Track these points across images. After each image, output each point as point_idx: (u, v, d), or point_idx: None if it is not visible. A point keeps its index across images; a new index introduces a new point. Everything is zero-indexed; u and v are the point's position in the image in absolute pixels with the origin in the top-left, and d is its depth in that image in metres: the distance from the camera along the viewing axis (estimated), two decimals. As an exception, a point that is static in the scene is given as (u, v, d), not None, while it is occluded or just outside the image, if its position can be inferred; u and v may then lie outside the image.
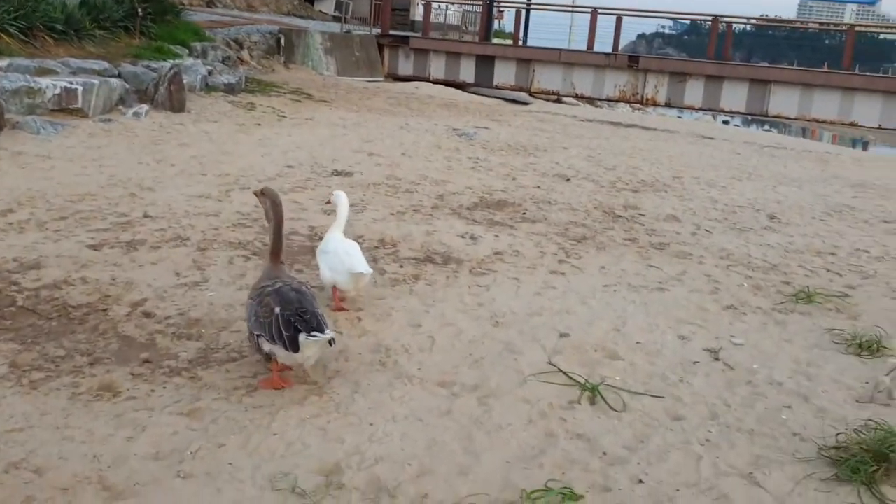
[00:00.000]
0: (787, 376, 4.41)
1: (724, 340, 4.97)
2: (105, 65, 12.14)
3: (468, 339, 4.67)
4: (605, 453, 3.40)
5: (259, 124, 12.83)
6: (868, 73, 26.00)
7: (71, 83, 10.79)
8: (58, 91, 10.59)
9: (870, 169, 16.03)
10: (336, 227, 5.09)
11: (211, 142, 10.83)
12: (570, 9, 34.23)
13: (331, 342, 3.77)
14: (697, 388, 4.18)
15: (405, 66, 26.61)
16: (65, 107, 10.66)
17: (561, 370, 4.19)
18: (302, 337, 3.65)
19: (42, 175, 7.98)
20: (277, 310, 3.72)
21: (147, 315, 4.69)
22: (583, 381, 4.06)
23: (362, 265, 4.86)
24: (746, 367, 4.51)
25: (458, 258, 6.51)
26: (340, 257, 4.83)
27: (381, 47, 26.37)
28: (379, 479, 3.16)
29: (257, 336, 3.80)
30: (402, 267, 6.12)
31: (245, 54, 20.88)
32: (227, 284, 5.30)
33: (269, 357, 3.83)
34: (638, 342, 4.78)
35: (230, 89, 15.30)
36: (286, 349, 3.67)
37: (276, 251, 4.13)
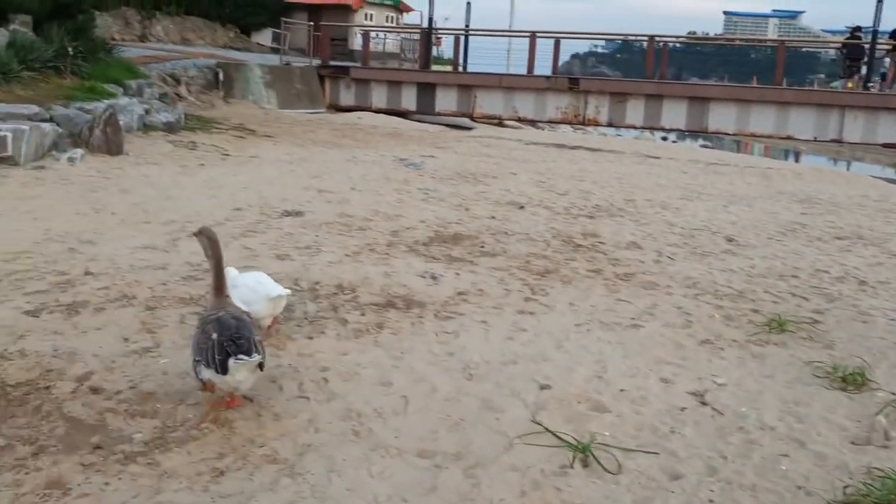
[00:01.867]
0: (778, 419, 4.26)
1: (706, 381, 4.81)
2: (35, 108, 11.60)
3: (443, 396, 4.41)
4: (607, 526, 3.17)
5: (202, 164, 12.41)
6: (800, 88, 26.71)
7: (-1, 130, 10.26)
8: (-15, 139, 10.06)
9: (811, 182, 16.34)
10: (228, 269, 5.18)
11: (153, 186, 10.37)
12: (508, 34, 34.47)
13: (260, 366, 3.94)
14: (690, 440, 3.98)
15: (347, 97, 26.35)
16: (-7, 155, 10.13)
17: (548, 430, 3.95)
18: (231, 360, 3.81)
19: (-29, 233, 7.47)
20: (215, 336, 3.90)
21: (95, 391, 4.30)
22: (573, 440, 3.83)
23: (277, 288, 5.02)
24: (735, 411, 4.34)
25: (421, 301, 6.25)
26: (252, 287, 4.97)
27: (321, 78, 26.09)
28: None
29: (196, 362, 3.99)
30: (363, 315, 5.83)
31: (183, 90, 20.37)
32: (180, 348, 4.91)
33: (204, 384, 4.02)
34: (622, 389, 4.58)
35: (170, 128, 14.83)
36: (217, 372, 3.85)
37: (218, 286, 4.32)
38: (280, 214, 9.19)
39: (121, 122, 12.67)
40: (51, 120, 11.69)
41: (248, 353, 3.83)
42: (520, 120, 26.52)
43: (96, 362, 4.67)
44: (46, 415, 4.01)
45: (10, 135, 10.30)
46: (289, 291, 5.17)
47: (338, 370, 4.74)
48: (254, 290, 4.99)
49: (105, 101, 13.44)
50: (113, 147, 12.07)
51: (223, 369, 3.82)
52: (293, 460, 3.65)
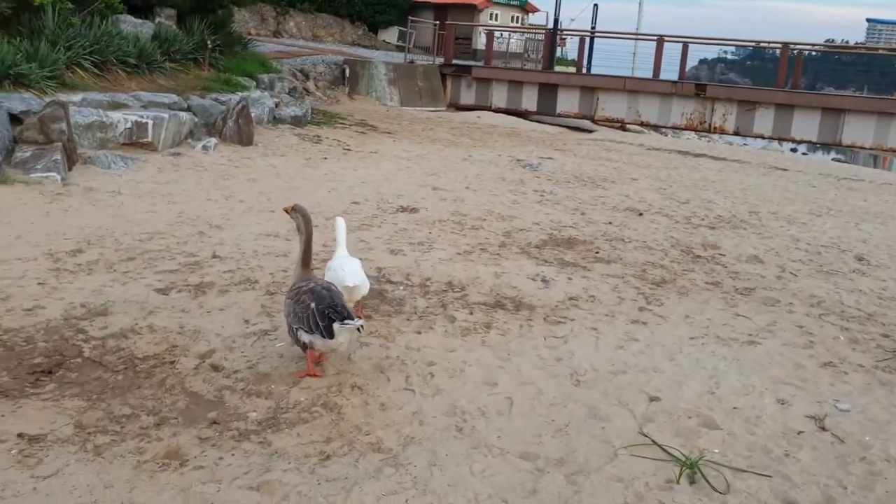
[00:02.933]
0: (905, 451, 4.00)
1: (827, 405, 4.57)
2: (175, 98, 12.27)
3: (549, 401, 4.38)
4: (712, 547, 3.07)
5: (325, 158, 12.79)
6: (950, 101, 24.88)
7: (141, 117, 10.90)
8: (129, 125, 10.72)
9: (958, 203, 15.21)
10: (339, 247, 5.46)
11: (279, 177, 10.79)
12: (634, 37, 33.81)
13: (359, 329, 4.28)
14: (806, 465, 3.80)
15: (467, 96, 26.52)
16: (135, 140, 10.78)
17: (655, 442, 3.86)
18: (336, 325, 4.22)
19: (112, 212, 7.98)
20: (313, 305, 4.30)
21: (215, 368, 4.52)
22: (680, 455, 3.72)
23: (351, 278, 5.14)
24: (858, 440, 4.11)
25: (531, 304, 6.22)
26: (337, 272, 5.14)
27: (443, 77, 26.35)
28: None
29: (296, 329, 4.36)
30: (471, 314, 5.86)
31: (311, 85, 21.05)
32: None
33: (305, 347, 4.40)
34: (735, 407, 4.42)
35: (297, 121, 15.37)
36: (323, 337, 4.24)
37: (306, 260, 4.70)
38: (395, 210, 9.36)
39: (252, 115, 13.23)
40: (188, 109, 12.33)
41: (351, 318, 4.26)
42: (643, 124, 25.95)
43: (218, 341, 4.90)
44: (170, 388, 4.24)
45: (150, 122, 10.93)
46: (356, 283, 5.14)
47: (444, 366, 4.79)
48: (336, 275, 5.13)
49: (239, 93, 14.07)
50: (244, 138, 12.62)
51: (329, 333, 4.22)
52: (397, 451, 3.71)
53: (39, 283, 5.68)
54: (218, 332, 5.06)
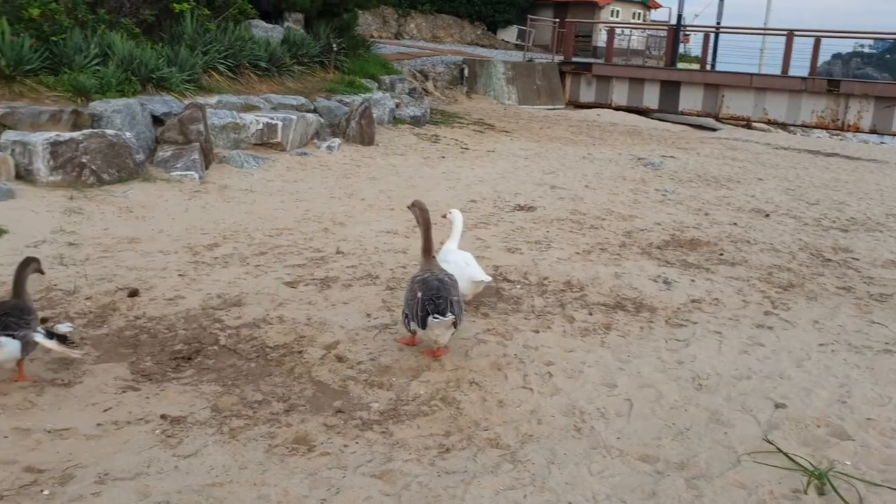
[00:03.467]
0: None
1: (973, 421, 4.29)
2: (302, 100, 12.75)
3: (669, 404, 4.31)
4: (842, 561, 2.95)
5: (443, 157, 12.97)
6: None
7: (272, 118, 11.39)
8: (260, 126, 11.22)
9: None
10: (451, 241, 5.62)
11: (398, 175, 11.04)
12: (762, 31, 32.49)
13: (455, 324, 4.54)
14: (948, 483, 3.59)
15: (587, 94, 26.22)
16: (265, 141, 11.27)
17: (781, 450, 3.74)
18: (430, 318, 4.42)
19: (245, 209, 8.40)
20: (420, 294, 4.52)
21: (340, 359, 4.70)
22: (808, 465, 3.59)
23: (481, 274, 5.33)
24: None
25: (652, 305, 6.12)
26: (461, 266, 5.24)
27: (562, 75, 26.16)
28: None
29: (405, 315, 4.64)
30: (591, 314, 5.83)
31: (430, 85, 21.37)
32: (415, 329, 5.22)
33: (413, 333, 4.74)
34: (868, 418, 4.22)
35: (416, 121, 15.66)
36: (419, 326, 4.51)
37: (427, 249, 4.93)
38: (512, 208, 9.40)
39: (374, 115, 13.58)
40: (314, 111, 12.79)
41: (443, 314, 4.42)
42: (770, 122, 24.92)
43: (342, 333, 5.09)
44: (298, 376, 4.44)
45: (280, 123, 11.41)
46: (490, 279, 5.41)
47: (562, 366, 4.80)
48: (461, 270, 5.23)
49: (362, 94, 14.46)
50: (366, 138, 12.97)
51: (423, 324, 4.48)
52: (515, 447, 3.76)
53: (180, 275, 6.07)
54: (342, 324, 5.25)
